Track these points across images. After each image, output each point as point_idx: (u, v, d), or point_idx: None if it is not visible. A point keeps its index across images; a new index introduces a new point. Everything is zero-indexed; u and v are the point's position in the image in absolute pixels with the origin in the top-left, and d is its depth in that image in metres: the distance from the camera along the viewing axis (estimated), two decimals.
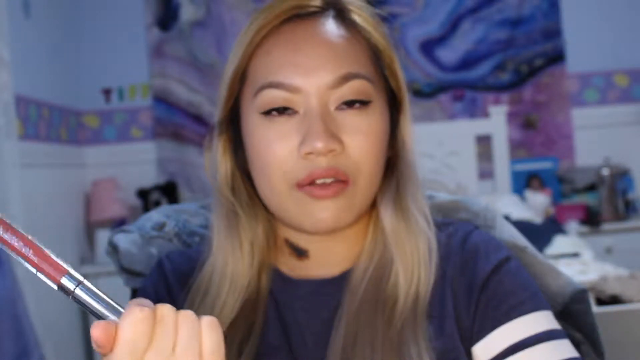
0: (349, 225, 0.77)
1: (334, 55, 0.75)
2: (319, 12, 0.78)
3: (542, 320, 0.74)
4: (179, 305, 0.80)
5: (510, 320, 0.74)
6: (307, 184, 0.73)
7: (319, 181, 0.73)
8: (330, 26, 0.77)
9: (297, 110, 0.74)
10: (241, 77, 0.78)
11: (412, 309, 0.74)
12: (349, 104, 0.74)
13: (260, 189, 0.78)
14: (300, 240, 0.80)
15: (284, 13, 0.76)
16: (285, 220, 0.78)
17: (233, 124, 0.80)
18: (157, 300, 0.82)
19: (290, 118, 0.74)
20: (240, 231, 0.80)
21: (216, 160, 0.81)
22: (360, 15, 0.79)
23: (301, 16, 0.77)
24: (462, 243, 0.80)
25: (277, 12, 0.76)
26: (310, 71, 0.74)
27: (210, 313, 0.77)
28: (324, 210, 0.74)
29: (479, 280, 0.76)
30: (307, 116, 0.73)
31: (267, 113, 0.75)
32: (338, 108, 0.74)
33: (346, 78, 0.74)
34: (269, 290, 0.81)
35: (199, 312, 0.77)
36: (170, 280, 0.83)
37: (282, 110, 0.74)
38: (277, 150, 0.74)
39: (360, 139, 0.74)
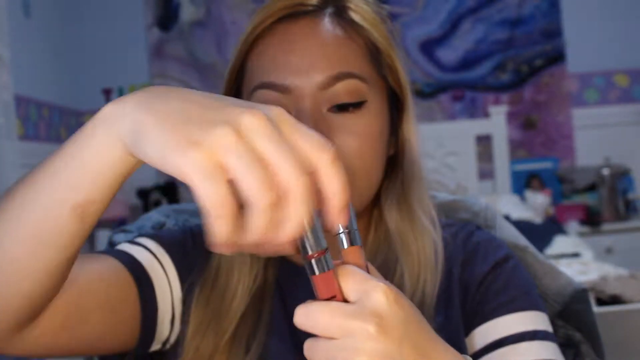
0: None
1: (326, 54, 0.73)
2: (316, 11, 0.76)
3: (530, 320, 0.74)
4: (200, 261, 0.79)
5: (497, 317, 0.74)
6: None
7: None
8: (326, 25, 0.75)
9: (290, 112, 0.74)
10: (239, 76, 0.78)
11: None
12: (342, 107, 0.73)
13: None
14: None
15: (278, 12, 0.76)
16: None
17: None
18: (182, 242, 0.81)
19: None
20: None
21: None
22: (359, 12, 0.77)
23: (297, 15, 0.76)
24: (464, 242, 0.80)
25: (272, 11, 0.75)
26: (302, 71, 0.73)
27: (221, 303, 0.77)
28: None
29: (476, 278, 0.77)
30: (299, 118, 0.72)
31: None
32: (330, 110, 0.73)
33: (338, 78, 0.73)
34: (275, 278, 0.81)
35: (210, 301, 0.77)
36: (195, 235, 0.83)
37: None
38: None
39: (353, 140, 0.73)
